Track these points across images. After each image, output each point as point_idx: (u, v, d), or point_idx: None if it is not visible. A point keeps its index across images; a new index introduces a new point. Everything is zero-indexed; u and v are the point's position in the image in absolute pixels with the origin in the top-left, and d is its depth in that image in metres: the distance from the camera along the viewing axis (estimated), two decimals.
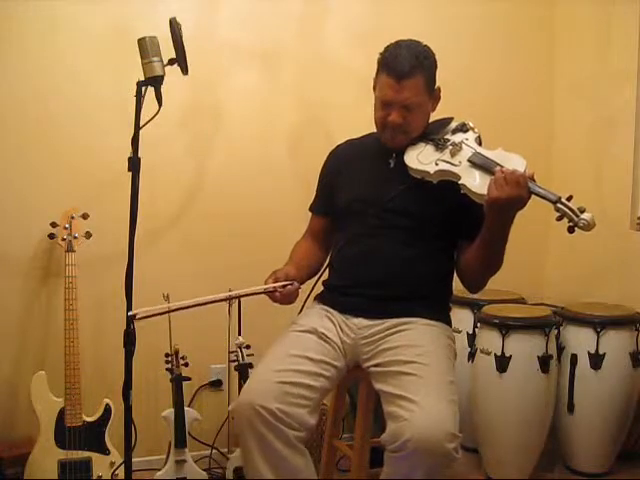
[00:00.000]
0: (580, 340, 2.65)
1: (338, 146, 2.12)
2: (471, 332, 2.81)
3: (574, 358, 2.66)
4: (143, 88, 1.83)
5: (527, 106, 3.24)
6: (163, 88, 1.85)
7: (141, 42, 1.83)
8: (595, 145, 3.09)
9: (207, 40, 2.67)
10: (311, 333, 1.88)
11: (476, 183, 1.74)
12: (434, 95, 1.91)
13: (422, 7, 3.01)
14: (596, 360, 2.60)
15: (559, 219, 1.65)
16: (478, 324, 2.74)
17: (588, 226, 1.61)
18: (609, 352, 2.60)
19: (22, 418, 2.50)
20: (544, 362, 2.55)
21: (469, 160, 1.79)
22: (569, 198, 1.65)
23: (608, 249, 2.95)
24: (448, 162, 1.81)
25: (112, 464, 2.37)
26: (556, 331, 2.67)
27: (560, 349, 2.69)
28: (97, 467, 2.35)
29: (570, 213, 1.63)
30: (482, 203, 1.71)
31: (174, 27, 1.83)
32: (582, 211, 1.63)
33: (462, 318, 2.83)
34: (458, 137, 1.87)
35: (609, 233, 2.94)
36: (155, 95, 1.84)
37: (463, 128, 1.90)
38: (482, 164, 1.77)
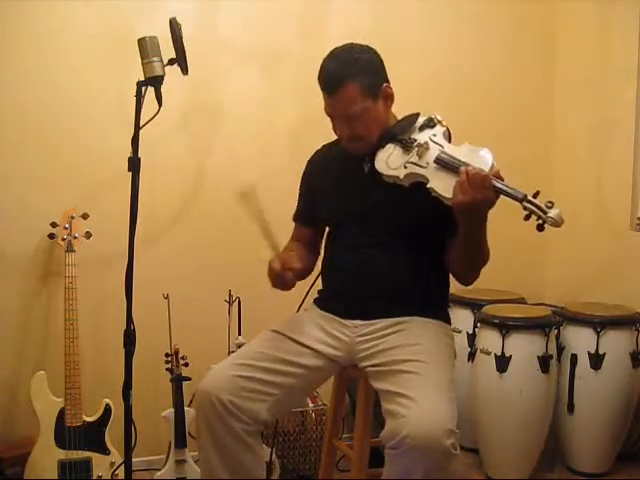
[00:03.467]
0: (580, 340, 2.65)
1: (315, 153, 2.10)
2: (471, 332, 2.81)
3: (574, 358, 2.66)
4: (143, 88, 1.84)
5: (527, 106, 3.24)
6: (163, 88, 1.85)
7: (141, 42, 1.83)
8: (595, 145, 3.09)
9: (207, 40, 2.67)
10: (287, 337, 1.89)
11: (443, 186, 1.69)
12: (381, 94, 1.83)
13: (422, 7, 3.01)
14: (596, 360, 2.60)
15: (527, 218, 1.61)
16: (478, 324, 2.74)
17: (556, 223, 1.56)
18: (609, 352, 2.60)
19: (22, 418, 2.50)
20: (544, 362, 2.55)
21: (435, 161, 1.74)
22: (535, 195, 1.61)
23: (608, 249, 2.95)
24: (416, 164, 1.76)
25: (112, 464, 2.37)
26: (556, 331, 2.67)
27: (560, 349, 2.69)
28: (97, 467, 2.35)
29: (537, 210, 1.58)
30: (450, 205, 1.67)
31: (174, 27, 1.83)
32: (549, 207, 1.58)
33: (462, 318, 2.83)
34: (425, 134, 1.81)
35: (609, 233, 2.95)
36: (155, 95, 1.85)
37: (430, 123, 1.83)
38: (448, 164, 1.71)
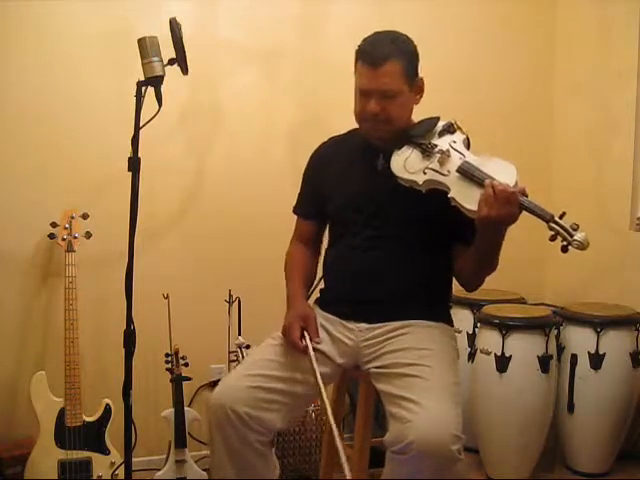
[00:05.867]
0: (580, 340, 2.65)
1: (322, 145, 2.05)
2: (471, 332, 2.82)
3: (574, 358, 2.66)
4: (143, 88, 1.84)
5: (527, 106, 3.24)
6: (163, 88, 1.85)
7: (141, 42, 1.83)
8: (595, 145, 3.09)
9: (207, 40, 2.67)
10: None
11: (466, 197, 1.67)
12: (415, 86, 1.83)
13: (422, 7, 3.01)
14: (596, 360, 2.60)
15: (552, 239, 1.60)
16: (478, 324, 2.74)
17: (582, 246, 1.56)
18: (609, 352, 2.60)
19: (22, 418, 2.49)
20: (544, 362, 2.55)
21: (458, 170, 1.72)
22: (562, 216, 1.60)
23: (608, 249, 2.95)
24: (437, 171, 1.74)
25: (112, 464, 2.37)
26: (556, 331, 2.67)
27: (560, 349, 2.69)
28: (97, 467, 2.35)
29: (564, 232, 1.57)
30: (472, 217, 1.66)
31: (174, 27, 1.83)
32: (575, 229, 1.57)
33: (462, 318, 2.83)
34: (446, 140, 1.80)
35: (609, 233, 2.94)
36: (155, 95, 1.85)
37: (450, 129, 1.82)
38: (472, 175, 1.69)
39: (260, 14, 2.76)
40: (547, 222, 1.59)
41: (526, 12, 3.21)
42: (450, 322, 1.96)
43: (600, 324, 2.61)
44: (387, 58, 1.75)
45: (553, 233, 1.59)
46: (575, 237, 1.56)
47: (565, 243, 1.58)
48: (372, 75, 1.77)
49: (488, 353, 2.61)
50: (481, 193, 1.63)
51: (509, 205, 1.59)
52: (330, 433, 2.08)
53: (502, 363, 2.56)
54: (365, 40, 1.82)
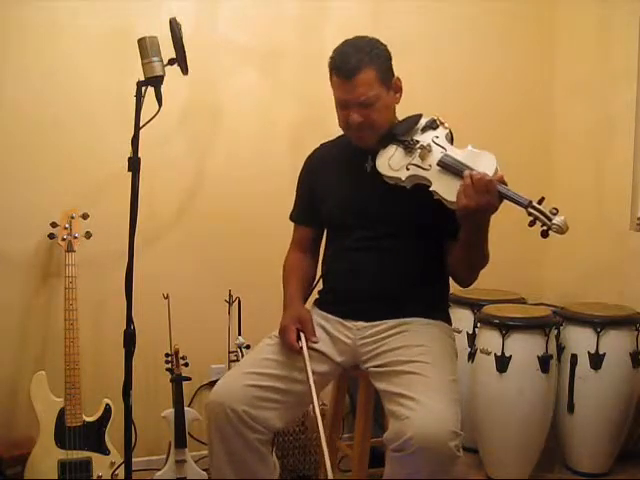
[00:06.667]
0: (580, 340, 2.65)
1: (313, 152, 2.08)
2: (471, 332, 2.81)
3: (574, 358, 2.66)
4: (143, 88, 1.84)
5: (527, 106, 3.24)
6: (163, 88, 1.85)
7: (141, 42, 1.83)
8: (595, 145, 3.09)
9: (207, 40, 2.67)
10: None
11: (447, 189, 1.69)
12: (393, 86, 1.84)
13: (421, 7, 3.01)
14: (596, 360, 2.60)
15: (531, 224, 1.60)
16: (478, 324, 2.74)
17: (561, 230, 1.56)
18: (609, 352, 2.60)
19: (22, 418, 2.50)
20: (544, 362, 2.55)
21: (439, 164, 1.73)
22: (540, 201, 1.60)
23: (608, 249, 2.95)
24: (418, 166, 1.76)
25: (112, 464, 2.37)
26: (556, 331, 2.67)
27: (560, 349, 2.69)
28: (97, 467, 2.35)
29: (542, 217, 1.58)
30: (454, 209, 1.67)
31: (174, 27, 1.83)
32: (554, 214, 1.57)
33: (462, 318, 2.83)
34: (428, 136, 1.81)
35: (609, 233, 2.95)
36: (155, 95, 1.84)
37: (433, 125, 1.83)
38: (452, 168, 1.70)
39: (260, 14, 2.76)
40: (525, 208, 1.60)
41: (526, 12, 3.21)
42: (448, 320, 1.97)
43: (600, 324, 2.61)
44: (359, 68, 1.76)
45: (532, 219, 1.60)
46: (554, 221, 1.56)
47: (545, 228, 1.58)
48: (347, 88, 1.79)
49: (488, 353, 2.61)
50: (460, 185, 1.64)
51: (487, 194, 1.60)
52: (330, 433, 2.10)
53: (502, 363, 2.56)
54: (335, 51, 1.83)
